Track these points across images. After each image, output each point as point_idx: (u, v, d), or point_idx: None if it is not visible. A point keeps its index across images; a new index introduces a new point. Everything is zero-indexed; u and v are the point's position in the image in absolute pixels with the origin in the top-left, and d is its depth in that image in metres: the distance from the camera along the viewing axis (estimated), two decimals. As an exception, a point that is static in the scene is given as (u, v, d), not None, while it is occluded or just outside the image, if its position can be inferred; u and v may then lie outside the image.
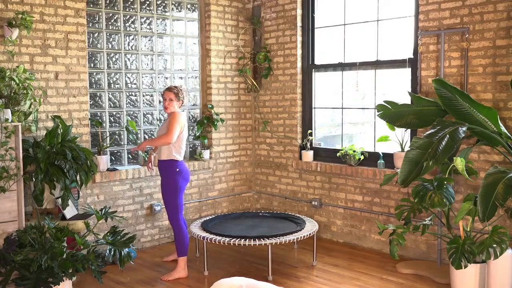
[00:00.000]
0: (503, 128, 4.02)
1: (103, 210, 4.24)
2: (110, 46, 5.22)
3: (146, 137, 5.52)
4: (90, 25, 5.05)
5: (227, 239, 4.46)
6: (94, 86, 5.13)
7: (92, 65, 5.09)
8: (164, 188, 4.60)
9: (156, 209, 5.39)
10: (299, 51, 5.85)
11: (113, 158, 5.32)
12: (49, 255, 3.69)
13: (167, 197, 4.58)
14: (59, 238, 3.84)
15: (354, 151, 5.30)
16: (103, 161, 5.00)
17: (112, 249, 4.06)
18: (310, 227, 4.81)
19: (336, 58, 5.66)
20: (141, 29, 5.43)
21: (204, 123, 5.85)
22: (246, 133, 6.32)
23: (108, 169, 5.08)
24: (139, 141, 5.44)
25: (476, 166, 4.46)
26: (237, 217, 5.23)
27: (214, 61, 5.93)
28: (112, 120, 5.30)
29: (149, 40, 5.51)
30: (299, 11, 5.82)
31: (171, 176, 4.55)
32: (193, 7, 5.89)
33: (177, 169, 4.56)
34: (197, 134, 5.87)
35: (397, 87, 5.17)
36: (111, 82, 5.26)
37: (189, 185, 5.73)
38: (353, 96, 5.55)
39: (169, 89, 4.62)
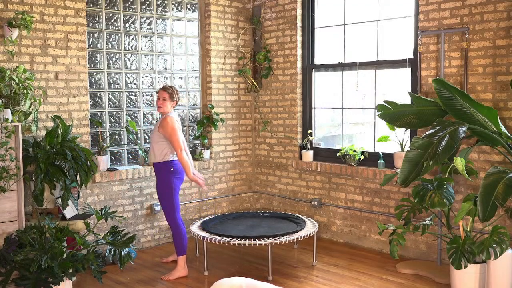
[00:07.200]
0: (503, 128, 4.02)
1: (103, 210, 4.24)
2: (110, 46, 5.22)
3: (146, 137, 5.53)
4: (90, 25, 5.05)
5: (227, 239, 4.46)
6: (94, 86, 5.13)
7: (92, 65, 5.09)
8: (159, 189, 4.60)
9: (156, 209, 5.38)
10: (299, 51, 5.85)
11: (113, 158, 5.32)
12: (49, 255, 3.68)
13: (163, 198, 4.58)
14: (59, 238, 3.84)
15: (354, 151, 5.30)
16: (103, 161, 5.00)
17: (112, 249, 4.06)
18: (310, 227, 4.80)
19: (336, 58, 5.66)
20: (141, 29, 5.43)
21: (204, 123, 5.85)
22: (246, 133, 6.32)
23: (108, 169, 5.08)
24: (138, 141, 5.44)
25: (476, 166, 4.46)
26: (237, 217, 5.23)
27: (214, 61, 5.93)
28: (112, 120, 5.30)
29: (149, 40, 5.50)
30: (299, 11, 5.82)
31: (166, 176, 4.55)
32: (193, 7, 5.89)
33: (172, 169, 4.56)
34: (197, 134, 5.86)
35: (397, 87, 5.17)
36: (111, 82, 5.26)
37: (189, 185, 5.73)
38: (353, 96, 5.55)
39: (163, 88, 4.63)
